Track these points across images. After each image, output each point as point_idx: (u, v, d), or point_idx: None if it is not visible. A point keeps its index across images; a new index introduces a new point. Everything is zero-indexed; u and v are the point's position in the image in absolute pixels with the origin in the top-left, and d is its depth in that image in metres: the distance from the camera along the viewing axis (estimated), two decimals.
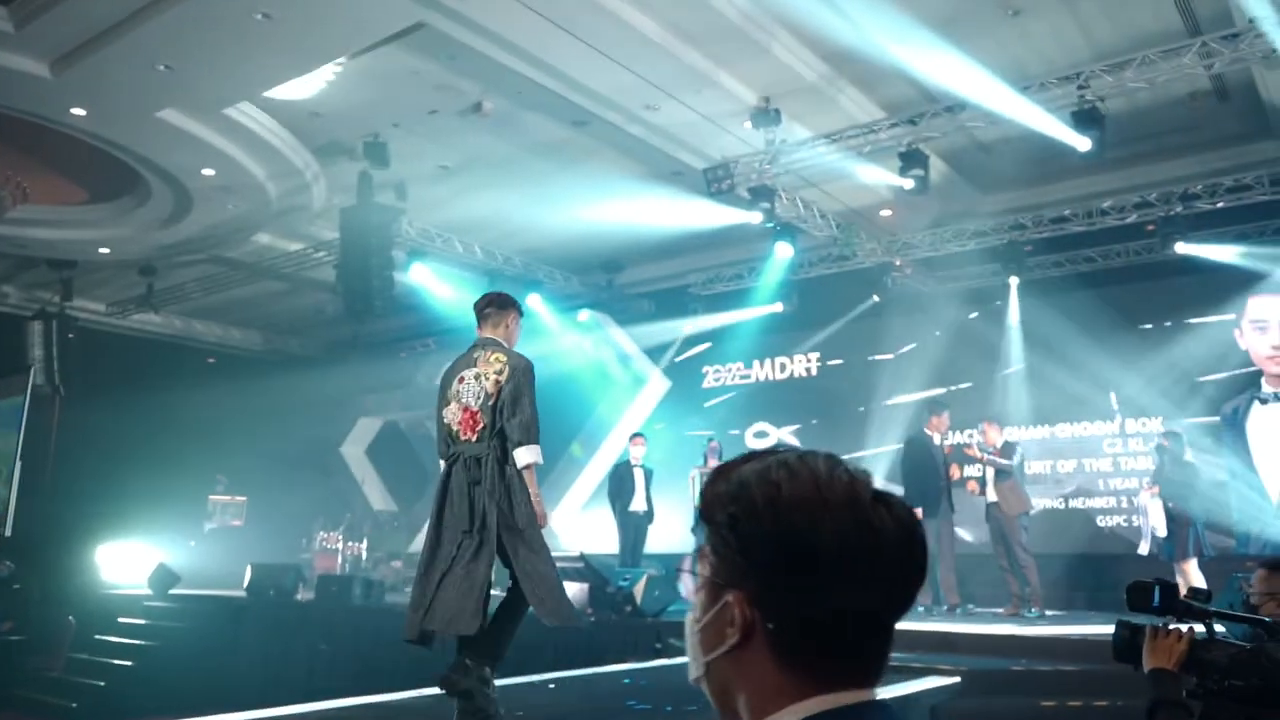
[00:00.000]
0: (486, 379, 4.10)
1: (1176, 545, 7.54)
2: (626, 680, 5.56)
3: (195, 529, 13.53)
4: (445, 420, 4.18)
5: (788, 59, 8.16)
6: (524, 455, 4.01)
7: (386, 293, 9.85)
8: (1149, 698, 1.90)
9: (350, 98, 8.95)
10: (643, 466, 9.29)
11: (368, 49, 7.97)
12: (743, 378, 12.82)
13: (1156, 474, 8.00)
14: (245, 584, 9.59)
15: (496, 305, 4.37)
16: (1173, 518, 7.60)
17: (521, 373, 4.12)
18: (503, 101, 9.03)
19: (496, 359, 4.15)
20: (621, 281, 13.36)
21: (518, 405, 4.05)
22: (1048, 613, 8.38)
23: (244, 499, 13.99)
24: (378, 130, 9.58)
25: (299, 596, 9.43)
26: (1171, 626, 1.95)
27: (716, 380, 12.97)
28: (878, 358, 11.78)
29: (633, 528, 9.40)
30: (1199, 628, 1.92)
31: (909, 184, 8.12)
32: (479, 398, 4.08)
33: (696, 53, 8.04)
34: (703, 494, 0.96)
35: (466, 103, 9.13)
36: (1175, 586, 1.94)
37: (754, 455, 0.95)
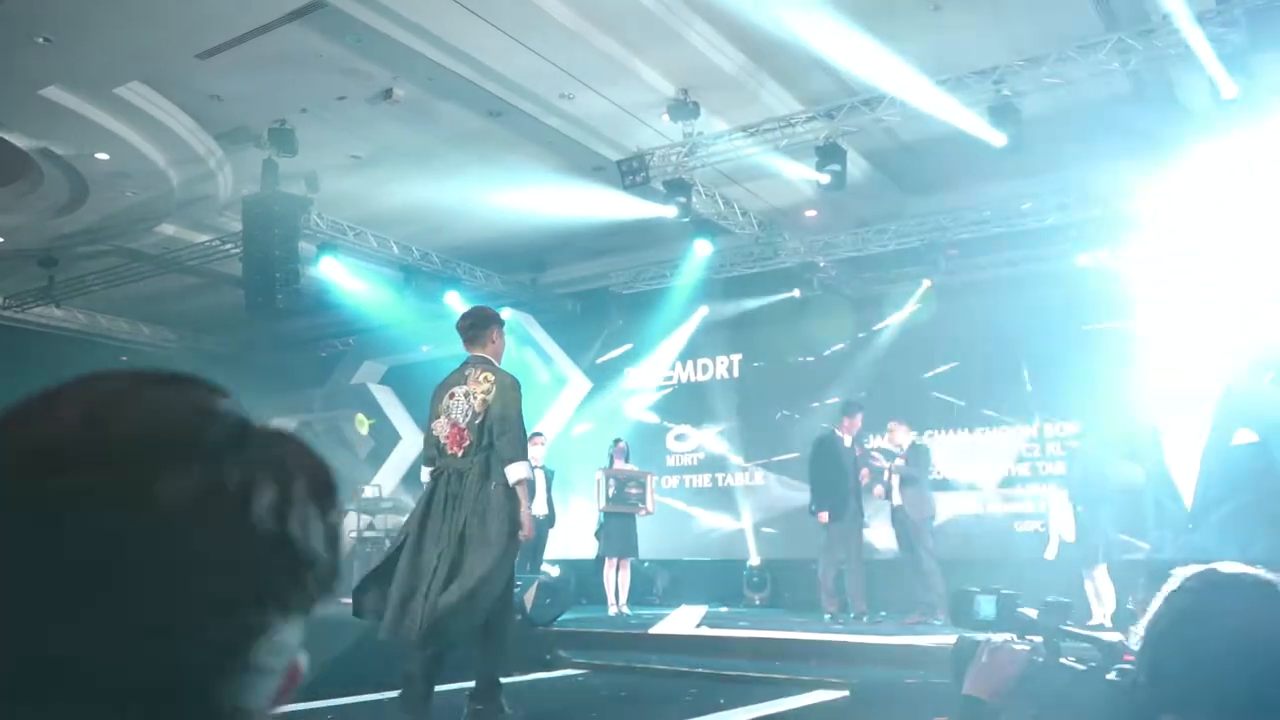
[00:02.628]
0: (475, 397, 4.32)
1: (1086, 551, 7.41)
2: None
3: None
4: (434, 433, 4.41)
5: (705, 49, 7.95)
6: (516, 471, 4.27)
7: (290, 286, 9.45)
8: None
9: (251, 81, 8.52)
10: (543, 468, 8.91)
11: (265, 28, 7.60)
12: (665, 379, 12.58)
13: (1068, 478, 7.88)
14: None
15: (477, 324, 4.55)
16: (1082, 523, 7.47)
17: (508, 391, 4.34)
18: (413, 88, 8.69)
19: (485, 378, 4.36)
20: (547, 281, 13.07)
21: (507, 423, 4.28)
22: None
23: None
24: (284, 116, 9.18)
25: None
26: (1016, 645, 1.60)
27: (639, 382, 12.70)
28: (802, 359, 11.63)
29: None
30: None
31: (825, 179, 7.94)
32: (467, 415, 4.32)
33: (610, 40, 7.80)
34: None
35: (376, 89, 8.77)
36: (1013, 596, 1.64)
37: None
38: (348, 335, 14.59)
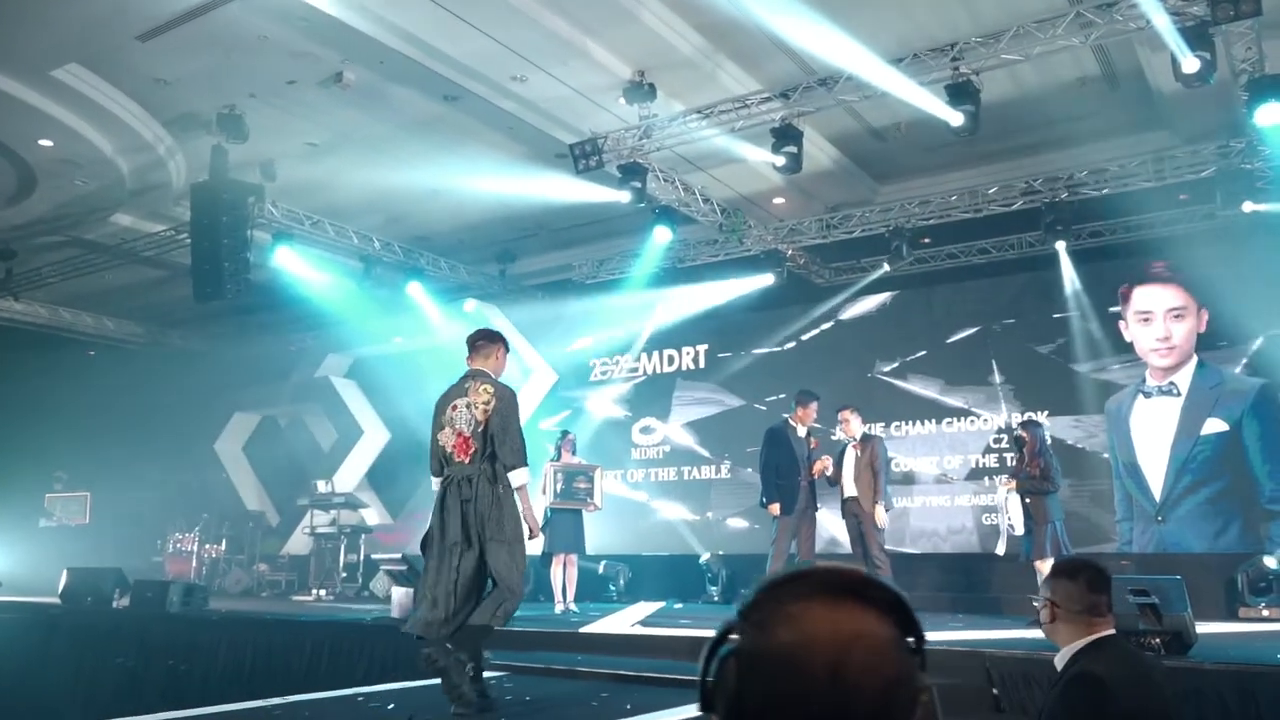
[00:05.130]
0: (476, 408, 4.66)
1: (1034, 543, 7.15)
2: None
3: (34, 528, 12.63)
4: (440, 443, 4.77)
5: (660, 29, 7.71)
6: (518, 477, 4.67)
7: (240, 276, 9.18)
8: None
9: (197, 64, 8.28)
10: None
11: (205, 7, 7.35)
12: (630, 370, 12.35)
13: (1014, 468, 7.61)
14: (60, 590, 8.80)
15: (487, 340, 4.97)
16: (1030, 514, 7.21)
17: (507, 402, 4.71)
18: (365, 72, 8.45)
19: (485, 390, 4.71)
20: (513, 272, 12.84)
21: (508, 433, 4.64)
22: None
23: (86, 494, 13.06)
24: (233, 101, 8.93)
25: (116, 604, 8.67)
26: None
27: (604, 373, 12.48)
28: (769, 349, 11.41)
29: None
30: None
31: (781, 161, 7.70)
32: (470, 424, 4.66)
33: (560, 19, 7.56)
34: None
35: (326, 72, 8.52)
36: None
37: None
38: (313, 329, 14.36)
